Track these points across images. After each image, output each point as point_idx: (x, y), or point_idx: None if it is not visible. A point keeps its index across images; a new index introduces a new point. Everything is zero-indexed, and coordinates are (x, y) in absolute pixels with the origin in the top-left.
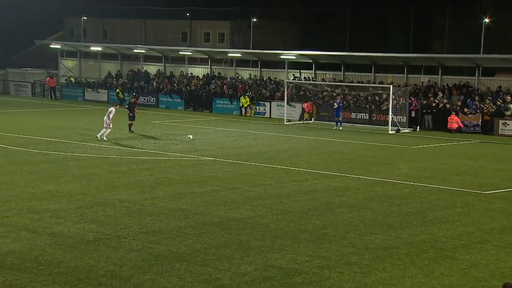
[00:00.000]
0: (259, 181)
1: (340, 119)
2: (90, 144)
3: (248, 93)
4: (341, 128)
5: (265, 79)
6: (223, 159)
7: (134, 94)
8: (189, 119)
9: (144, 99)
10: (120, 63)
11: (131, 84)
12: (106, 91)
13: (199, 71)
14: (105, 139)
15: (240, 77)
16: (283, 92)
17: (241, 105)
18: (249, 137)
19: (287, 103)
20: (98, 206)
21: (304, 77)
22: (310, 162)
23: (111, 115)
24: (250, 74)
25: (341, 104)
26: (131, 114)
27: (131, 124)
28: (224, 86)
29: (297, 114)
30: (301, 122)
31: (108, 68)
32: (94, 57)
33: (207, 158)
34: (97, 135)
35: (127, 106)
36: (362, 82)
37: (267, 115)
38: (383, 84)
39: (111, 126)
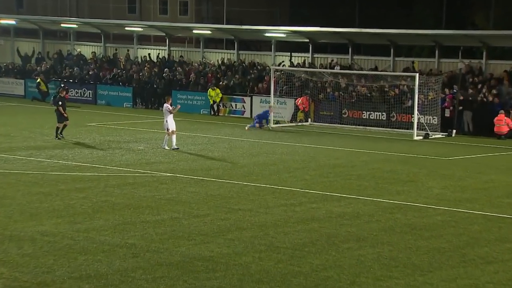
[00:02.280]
0: (236, 206)
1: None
2: (0, 155)
3: (220, 82)
4: (266, 126)
5: (244, 65)
6: (187, 175)
7: (62, 85)
8: (140, 120)
9: (77, 93)
10: (42, 43)
11: (58, 72)
12: (22, 81)
13: (153, 53)
14: (174, 145)
15: (210, 62)
16: (269, 83)
17: (211, 101)
18: (222, 145)
19: (275, 98)
20: (10, 242)
21: (298, 63)
22: (306, 180)
23: (168, 110)
24: (223, 58)
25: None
26: (65, 115)
27: (60, 127)
28: (191, 75)
29: (288, 113)
30: (294, 124)
31: (25, 49)
32: (5, 33)
33: (165, 174)
34: (173, 145)
35: (60, 103)
36: (377, 70)
37: (246, 114)
38: (406, 71)
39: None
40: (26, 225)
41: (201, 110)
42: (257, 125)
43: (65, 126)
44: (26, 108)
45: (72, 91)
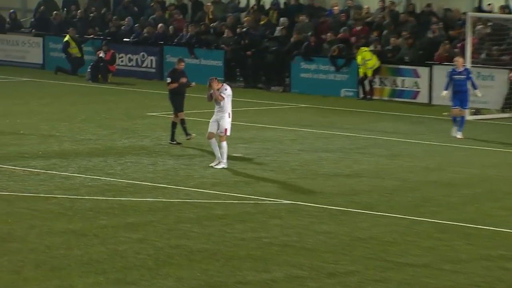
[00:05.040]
0: (400, 257)
1: (464, 111)
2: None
3: (374, 44)
4: (459, 135)
5: (417, 12)
6: (314, 204)
7: (105, 45)
8: (237, 107)
9: (130, 60)
10: None
11: (100, 25)
12: (39, 40)
13: None
14: (222, 163)
15: (357, 8)
16: (464, 42)
17: (360, 73)
18: (375, 151)
19: (473, 68)
20: None
21: None
22: None
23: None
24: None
25: (470, 75)
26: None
27: (181, 120)
28: (320, 33)
29: (495, 96)
30: (507, 115)
31: None
32: None
33: (278, 200)
34: (215, 165)
35: (169, 80)
36: None
37: (421, 98)
38: None
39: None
40: (45, 286)
41: (342, 91)
42: (459, 109)
43: (183, 121)
44: (46, 87)
45: (122, 57)
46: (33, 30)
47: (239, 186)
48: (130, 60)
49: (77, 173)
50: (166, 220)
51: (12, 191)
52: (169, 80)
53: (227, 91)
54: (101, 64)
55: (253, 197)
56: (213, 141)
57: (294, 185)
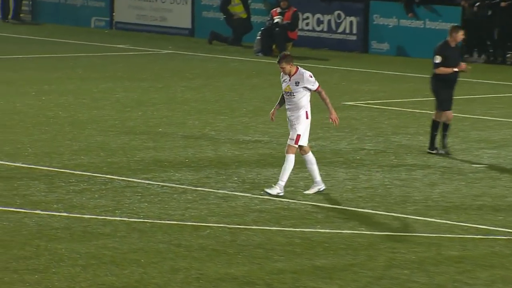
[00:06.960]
0: None
1: None
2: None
3: None
4: None
5: None
6: None
7: (282, 1)
8: (472, 94)
9: (319, 23)
10: None
11: None
12: None
13: None
14: (317, 185)
15: None
16: None
17: None
18: None
19: None
20: None
21: None
22: None
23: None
24: None
25: None
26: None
27: (445, 123)
28: None
29: None
30: None
31: None
32: None
33: None
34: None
35: (438, 61)
36: None
37: None
38: None
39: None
40: None
41: None
42: None
43: (446, 126)
44: (196, 63)
45: (307, 19)
46: None
47: (483, 214)
48: (319, 22)
49: (240, 192)
50: (372, 263)
51: (147, 217)
52: (438, 59)
53: (312, 79)
54: (277, 29)
55: (506, 230)
56: (293, 157)
57: None
